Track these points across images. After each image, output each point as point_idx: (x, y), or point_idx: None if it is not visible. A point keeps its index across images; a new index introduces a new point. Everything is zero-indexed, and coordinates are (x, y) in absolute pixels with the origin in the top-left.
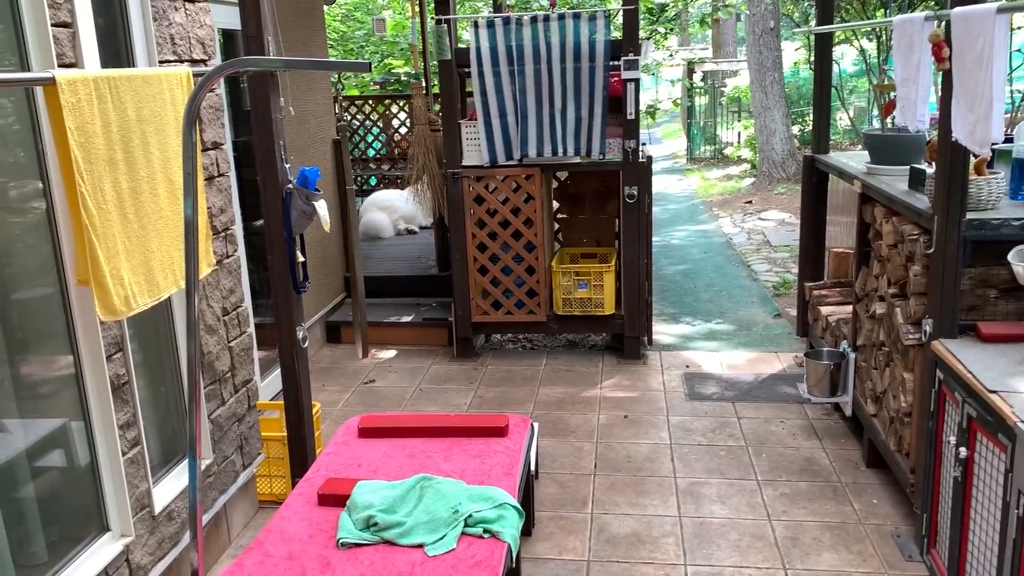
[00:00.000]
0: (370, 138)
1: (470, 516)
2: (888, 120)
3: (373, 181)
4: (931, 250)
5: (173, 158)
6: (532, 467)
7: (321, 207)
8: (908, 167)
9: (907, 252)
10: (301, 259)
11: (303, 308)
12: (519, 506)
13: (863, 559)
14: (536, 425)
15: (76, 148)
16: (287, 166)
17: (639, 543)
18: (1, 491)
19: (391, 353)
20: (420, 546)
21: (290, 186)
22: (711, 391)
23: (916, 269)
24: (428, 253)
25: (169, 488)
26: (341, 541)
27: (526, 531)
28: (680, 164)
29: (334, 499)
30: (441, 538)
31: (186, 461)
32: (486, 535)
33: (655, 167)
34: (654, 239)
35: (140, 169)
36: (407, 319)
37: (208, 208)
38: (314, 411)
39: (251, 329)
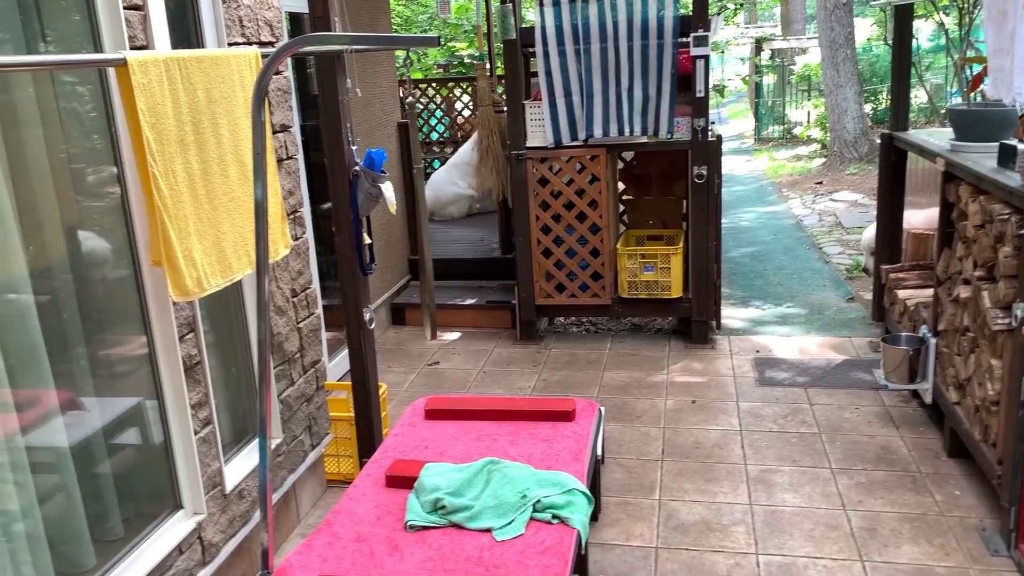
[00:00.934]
0: (433, 121)
1: (538, 501)
2: (973, 95)
3: (436, 164)
4: (1023, 231)
5: (243, 139)
6: (599, 452)
7: (387, 189)
8: (997, 143)
9: (996, 233)
10: (368, 241)
11: (369, 290)
12: (588, 492)
13: (945, 552)
14: (603, 411)
15: (148, 129)
16: (354, 148)
17: (708, 531)
18: (78, 468)
19: (455, 335)
20: (488, 530)
21: (357, 168)
22: (782, 376)
23: (1006, 250)
24: (491, 235)
25: (240, 467)
26: (409, 524)
27: (593, 517)
28: (747, 144)
29: (402, 481)
30: (509, 523)
31: (256, 441)
32: (555, 521)
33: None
34: (723, 221)
35: (211, 150)
36: (470, 301)
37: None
38: (380, 392)
39: (319, 311)
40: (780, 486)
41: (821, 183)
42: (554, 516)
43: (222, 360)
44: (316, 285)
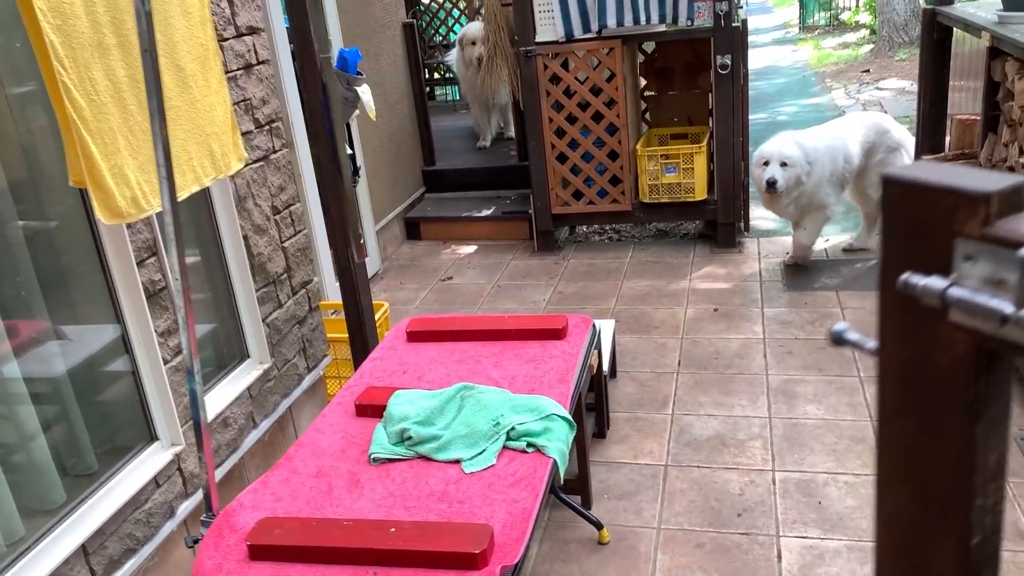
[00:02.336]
0: (444, 19)
1: (513, 429)
2: None
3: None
4: None
5: (180, 42)
6: (604, 367)
7: (364, 92)
8: None
9: None
10: (349, 151)
11: (356, 204)
12: (570, 417)
13: None
14: (612, 323)
15: (51, 31)
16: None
17: (723, 446)
18: (39, 402)
19: (471, 248)
20: (458, 461)
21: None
22: (812, 280)
23: None
24: (508, 141)
25: (223, 394)
26: (373, 457)
27: (600, 434)
28: (792, 34)
29: (372, 409)
30: (480, 453)
31: (242, 366)
32: (530, 449)
33: (764, 38)
34: (759, 116)
35: (139, 55)
36: (486, 213)
37: (247, 99)
38: (382, 311)
39: (308, 229)
40: (803, 397)
41: (868, 71)
42: (529, 444)
43: (196, 284)
44: (308, 202)
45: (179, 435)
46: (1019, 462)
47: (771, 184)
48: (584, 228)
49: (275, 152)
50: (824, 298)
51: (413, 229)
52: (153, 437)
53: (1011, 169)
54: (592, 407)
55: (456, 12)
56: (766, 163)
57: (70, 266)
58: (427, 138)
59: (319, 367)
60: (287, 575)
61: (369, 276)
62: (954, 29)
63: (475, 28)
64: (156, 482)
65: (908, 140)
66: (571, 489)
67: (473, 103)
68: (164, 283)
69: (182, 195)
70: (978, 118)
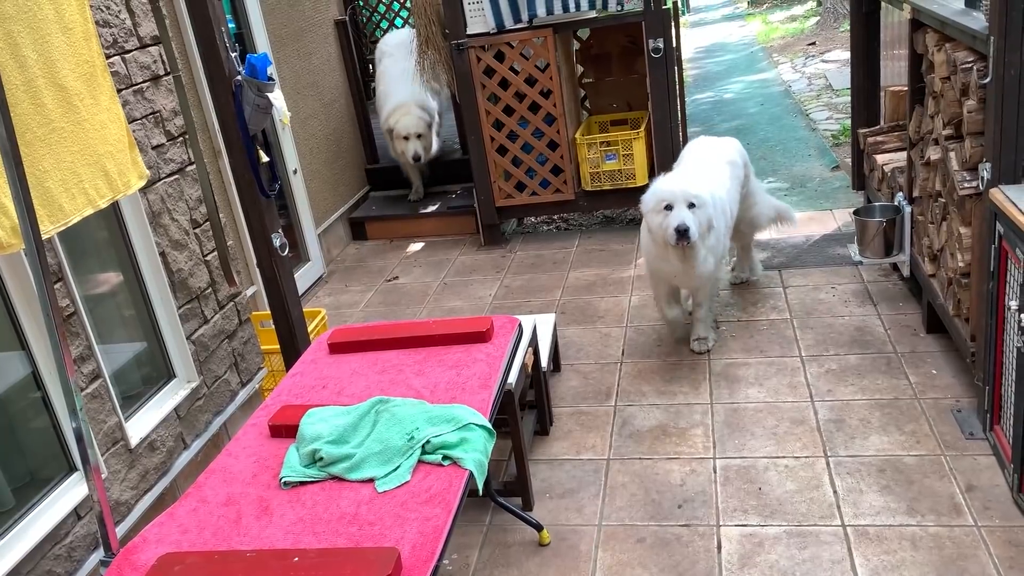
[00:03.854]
0: (385, 13)
1: (428, 442)
2: None
3: None
4: (987, 79)
5: (60, 59)
6: (543, 363)
7: (277, 98)
8: None
9: (961, 84)
10: (265, 159)
11: (276, 213)
12: (488, 425)
13: (916, 440)
14: (553, 317)
15: None
16: (234, 56)
17: (665, 436)
18: None
19: (418, 246)
20: (372, 480)
21: (239, 78)
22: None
23: (971, 104)
24: (451, 135)
25: (148, 418)
26: (283, 481)
27: (543, 431)
28: (741, 9)
29: (286, 430)
30: (394, 470)
31: (168, 387)
32: (446, 462)
33: (714, 15)
34: (706, 95)
35: (12, 76)
36: (432, 208)
37: (157, 111)
38: (318, 318)
39: (230, 241)
40: (744, 381)
41: (814, 43)
42: (445, 457)
43: (112, 306)
44: (238, 211)
45: (99, 463)
46: (955, 435)
47: (683, 232)
48: (532, 219)
49: (190, 164)
50: (767, 278)
51: (358, 229)
52: (72, 468)
53: (936, 142)
54: (533, 405)
55: (396, 5)
56: (668, 207)
57: None
58: (368, 136)
59: (254, 380)
60: None
61: (313, 281)
62: (881, 1)
63: (412, 124)
64: (77, 514)
65: None
66: (511, 491)
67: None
68: (73, 308)
69: (74, 219)
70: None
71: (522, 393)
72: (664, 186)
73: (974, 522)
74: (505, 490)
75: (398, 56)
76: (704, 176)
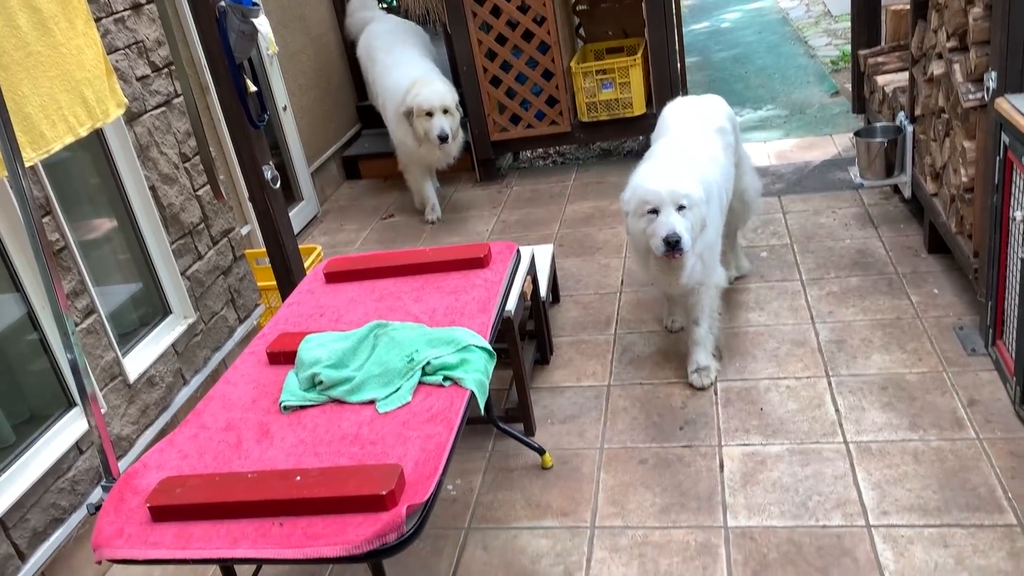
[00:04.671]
0: None
1: (428, 364)
2: None
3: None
4: None
5: None
6: (543, 293)
7: (262, 24)
8: None
9: None
10: (253, 88)
11: (266, 144)
12: (489, 347)
13: (918, 358)
14: (551, 248)
15: None
16: None
17: (665, 362)
18: None
19: None
20: (372, 402)
21: (223, 3)
22: None
23: (976, 11)
24: (443, 68)
25: (146, 354)
26: (283, 405)
27: (544, 360)
28: None
29: (284, 357)
30: (395, 391)
31: (164, 323)
32: (447, 383)
33: None
34: (702, 25)
35: None
36: None
37: (139, 41)
38: (313, 256)
39: (232, 175)
40: (745, 306)
41: None
42: (446, 378)
43: (104, 242)
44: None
45: (96, 393)
46: (957, 351)
47: (673, 244)
48: (528, 153)
49: (176, 96)
50: (767, 204)
51: (352, 168)
52: (71, 403)
53: (939, 56)
54: (533, 335)
55: None
56: (653, 211)
57: None
58: (358, 72)
59: (252, 317)
60: (191, 534)
61: (308, 220)
62: None
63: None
64: (79, 448)
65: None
66: (513, 418)
67: (410, 168)
68: (63, 243)
69: (55, 147)
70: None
71: (522, 323)
72: (647, 184)
73: (976, 435)
74: (507, 417)
75: (393, 42)
76: (694, 160)
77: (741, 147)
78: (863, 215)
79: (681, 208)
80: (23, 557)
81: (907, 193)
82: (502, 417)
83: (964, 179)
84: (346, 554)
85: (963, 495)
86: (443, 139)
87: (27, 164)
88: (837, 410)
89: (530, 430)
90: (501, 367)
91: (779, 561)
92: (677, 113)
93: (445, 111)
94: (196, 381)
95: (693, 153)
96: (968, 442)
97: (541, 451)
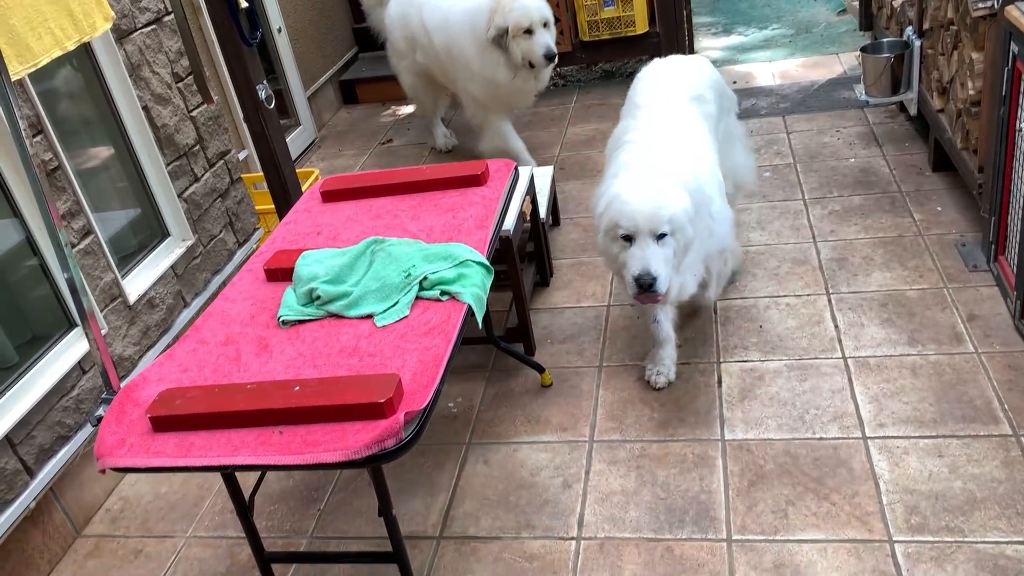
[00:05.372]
0: None
1: (426, 278)
2: None
3: None
4: None
5: None
6: (542, 215)
7: None
8: None
9: None
10: (244, 4)
11: (259, 63)
12: (486, 262)
13: (919, 274)
14: (551, 170)
15: None
16: None
17: None
18: None
19: (411, 108)
20: (370, 316)
21: None
22: (759, 106)
23: None
24: None
25: (145, 276)
26: (281, 319)
27: (543, 281)
28: None
29: (282, 273)
30: (393, 306)
31: (163, 245)
32: (444, 297)
33: None
34: None
35: None
36: None
37: None
38: (310, 179)
39: (227, 97)
40: (746, 225)
41: None
42: (443, 292)
43: (99, 163)
44: (223, 68)
45: (95, 309)
46: (958, 268)
47: (647, 287)
48: None
49: (166, 14)
50: (770, 124)
51: (349, 92)
52: (72, 324)
53: None
54: (533, 256)
55: None
56: (627, 238)
57: None
58: None
59: (251, 240)
60: (191, 443)
61: (306, 146)
62: None
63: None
64: (81, 368)
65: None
66: (513, 338)
67: (491, 115)
68: (57, 162)
69: (43, 61)
70: None
71: (522, 245)
72: (622, 204)
73: (974, 349)
74: (507, 337)
75: None
76: (677, 157)
77: (732, 118)
78: (868, 134)
79: (662, 236)
80: (31, 472)
81: (913, 110)
82: (502, 337)
83: (971, 92)
84: (345, 459)
85: (959, 407)
86: (550, 58)
87: (13, 77)
88: (836, 326)
89: (530, 349)
90: (501, 289)
91: (775, 472)
92: (652, 82)
93: (545, 24)
94: (196, 303)
95: (676, 146)
96: (966, 356)
97: (541, 369)
